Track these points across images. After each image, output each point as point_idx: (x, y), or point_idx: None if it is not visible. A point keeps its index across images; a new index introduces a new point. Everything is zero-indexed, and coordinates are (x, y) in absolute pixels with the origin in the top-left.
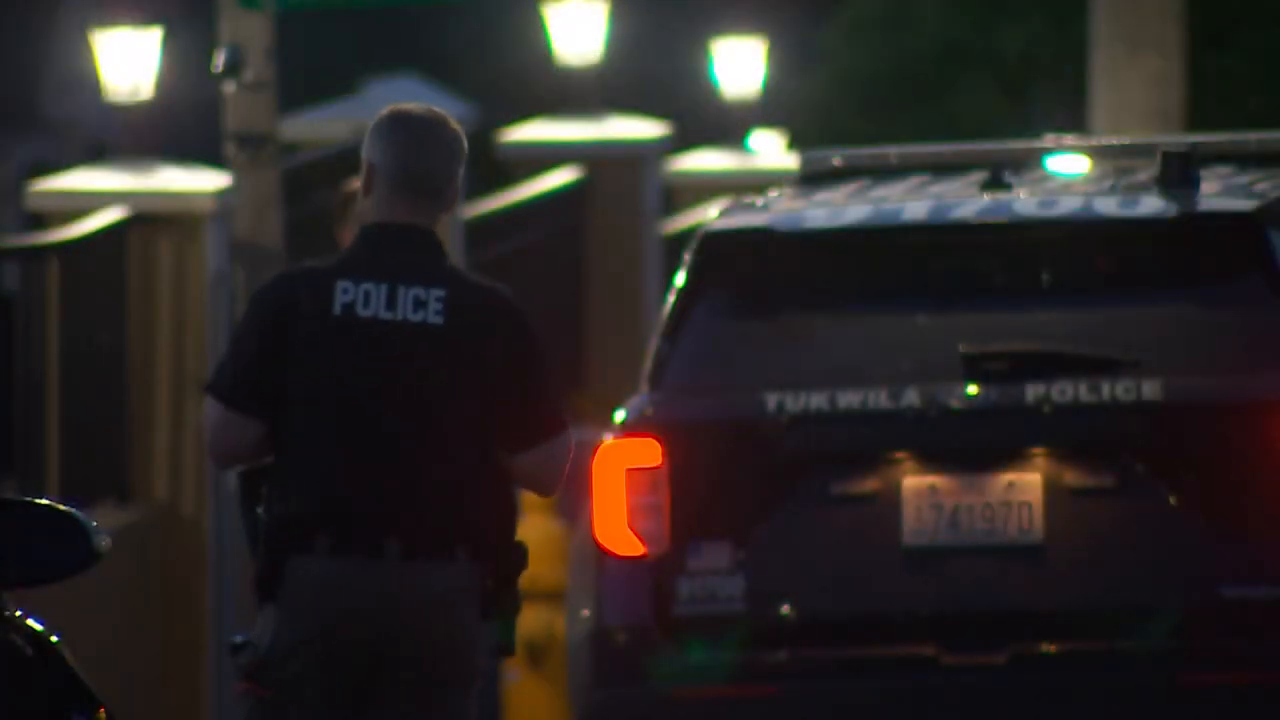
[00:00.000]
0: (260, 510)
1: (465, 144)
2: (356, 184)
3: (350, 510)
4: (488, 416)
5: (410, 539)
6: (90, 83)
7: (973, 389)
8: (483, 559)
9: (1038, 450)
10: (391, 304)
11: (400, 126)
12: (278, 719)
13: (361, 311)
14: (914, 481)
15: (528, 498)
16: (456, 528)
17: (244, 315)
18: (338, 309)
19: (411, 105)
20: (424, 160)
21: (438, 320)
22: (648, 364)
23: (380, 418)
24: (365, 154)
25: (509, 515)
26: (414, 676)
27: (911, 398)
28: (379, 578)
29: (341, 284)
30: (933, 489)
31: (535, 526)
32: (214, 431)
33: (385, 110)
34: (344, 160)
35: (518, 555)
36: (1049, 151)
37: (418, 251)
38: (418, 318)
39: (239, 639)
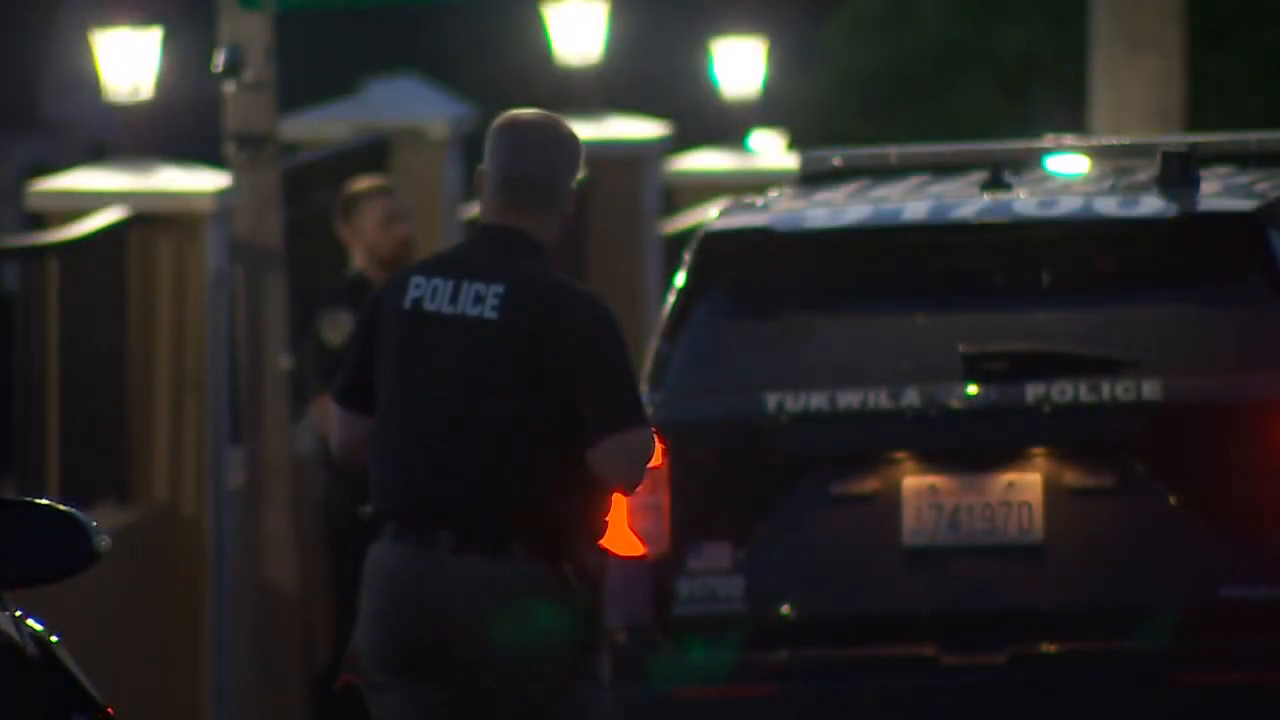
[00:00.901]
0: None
1: (575, 148)
2: (359, 185)
3: (411, 500)
4: (552, 410)
5: (463, 532)
6: (90, 83)
7: (973, 389)
8: (549, 554)
9: (1038, 450)
10: (455, 299)
11: (504, 133)
12: (376, 706)
13: (428, 306)
14: (914, 481)
15: None
16: (513, 522)
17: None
18: (408, 304)
19: (523, 112)
20: (520, 166)
21: (493, 315)
22: (648, 364)
23: (436, 411)
24: (484, 158)
25: (582, 509)
26: (472, 671)
27: (911, 398)
28: (430, 568)
29: (415, 279)
30: (933, 489)
31: None
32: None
33: (501, 116)
34: (344, 160)
35: (592, 551)
36: (1049, 151)
37: (502, 250)
38: (475, 312)
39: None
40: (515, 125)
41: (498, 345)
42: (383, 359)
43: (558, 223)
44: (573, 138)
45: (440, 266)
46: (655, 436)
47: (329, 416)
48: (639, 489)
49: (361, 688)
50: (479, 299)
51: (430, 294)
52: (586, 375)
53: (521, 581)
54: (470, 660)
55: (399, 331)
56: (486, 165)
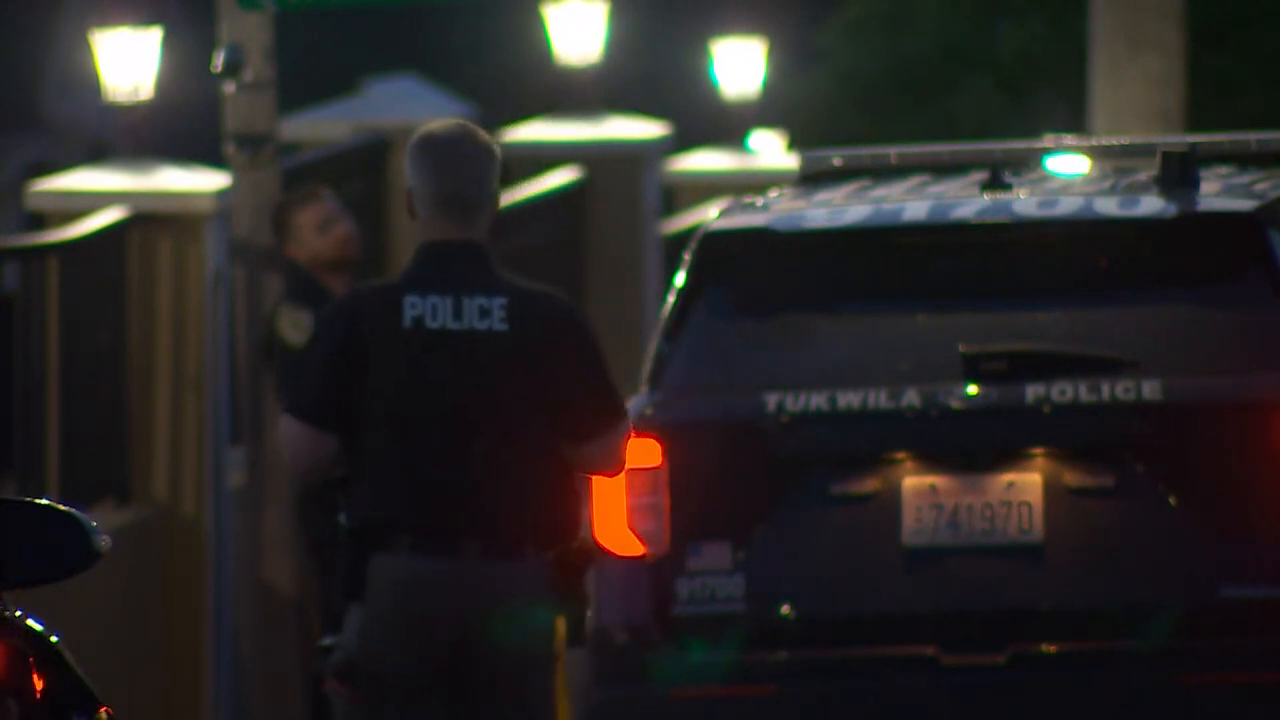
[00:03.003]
0: (341, 518)
1: (496, 151)
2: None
3: (430, 511)
4: (553, 415)
5: (488, 539)
6: (90, 83)
7: (973, 389)
8: (550, 555)
9: (1038, 450)
10: (458, 314)
11: (428, 150)
12: (372, 717)
13: (430, 323)
14: (914, 481)
15: None
16: (528, 526)
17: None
18: (408, 322)
19: (438, 125)
20: (455, 180)
21: (503, 327)
22: (648, 364)
23: (454, 422)
24: (408, 178)
25: (575, 511)
26: (495, 674)
27: (911, 398)
28: (459, 576)
29: (409, 299)
30: (933, 489)
31: None
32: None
33: (416, 134)
34: (344, 160)
35: (585, 550)
36: (1049, 151)
37: (471, 265)
38: (484, 326)
39: (328, 640)
40: (442, 141)
41: (511, 355)
42: (378, 379)
43: (487, 229)
44: (493, 144)
45: (430, 284)
46: (656, 436)
47: (292, 435)
48: (640, 490)
49: (348, 694)
50: (485, 312)
51: (430, 312)
52: (580, 377)
53: (535, 583)
54: (482, 657)
55: (403, 350)
56: (415, 184)
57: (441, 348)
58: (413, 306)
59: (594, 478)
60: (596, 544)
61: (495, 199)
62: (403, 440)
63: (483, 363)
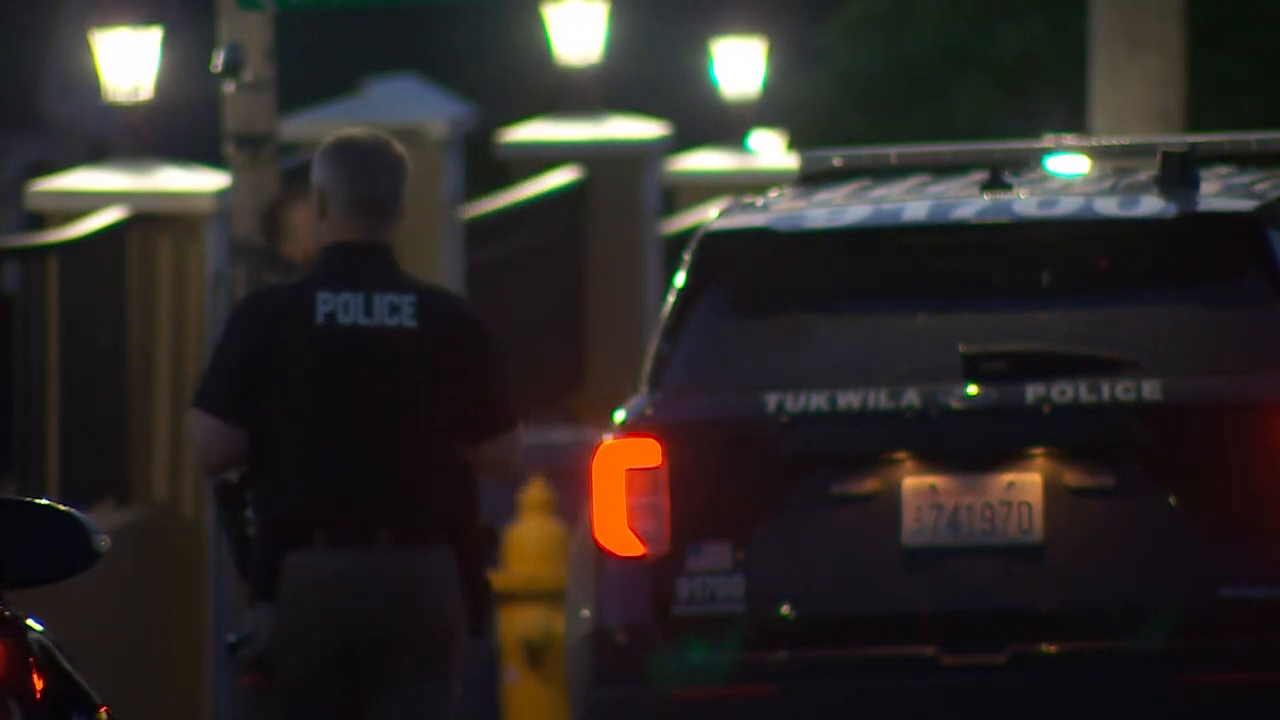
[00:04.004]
0: (249, 514)
1: (408, 164)
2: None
3: (343, 505)
4: (456, 411)
5: (399, 528)
6: (90, 83)
7: (973, 389)
8: (455, 544)
9: (1038, 450)
10: (369, 310)
11: (345, 155)
12: (280, 711)
13: (343, 319)
14: (914, 481)
15: (527, 498)
16: (435, 516)
17: (224, 331)
18: (320, 318)
19: (356, 131)
20: (372, 185)
21: (412, 324)
22: (648, 364)
23: (364, 416)
24: (315, 179)
25: (474, 502)
26: (411, 662)
27: (911, 398)
28: (374, 566)
29: (322, 295)
30: (933, 489)
31: (535, 526)
32: (206, 442)
33: (331, 137)
34: None
35: (487, 539)
36: (1049, 151)
37: (380, 264)
38: (394, 322)
39: (233, 637)
40: (358, 147)
41: (419, 351)
42: (290, 374)
43: (395, 234)
44: (403, 154)
45: (342, 281)
46: (656, 436)
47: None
48: (640, 490)
49: (266, 688)
50: (395, 309)
51: (342, 308)
52: (481, 378)
53: (445, 571)
54: (399, 645)
55: (315, 346)
56: (330, 186)
57: (353, 343)
58: (325, 303)
59: (491, 478)
60: (493, 533)
61: (403, 208)
62: (315, 435)
63: (392, 358)
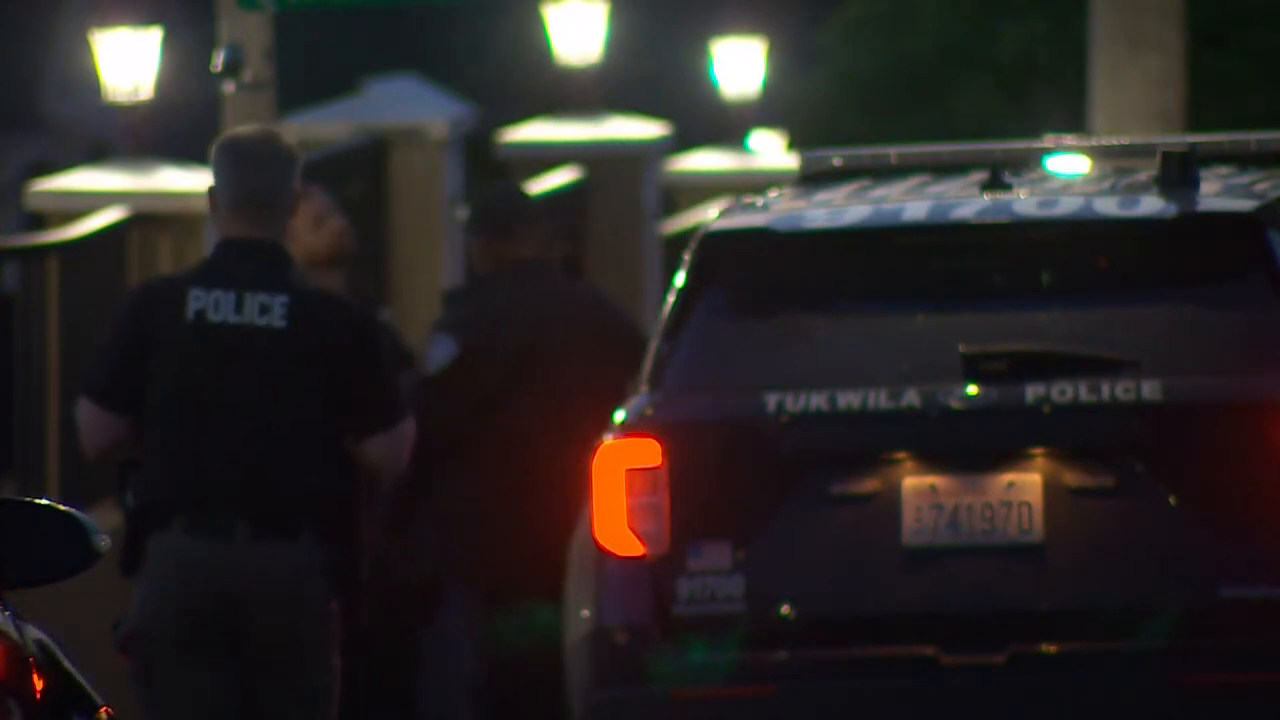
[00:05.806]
0: (127, 498)
1: (295, 157)
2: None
3: (204, 494)
4: (330, 409)
5: (258, 522)
6: (90, 83)
7: (973, 389)
8: (329, 541)
9: (1038, 450)
10: (239, 309)
11: (229, 152)
12: (153, 686)
13: (212, 316)
14: (914, 481)
15: None
16: (301, 511)
17: (110, 323)
18: (190, 315)
19: (243, 129)
20: (250, 180)
21: (281, 324)
22: (648, 364)
23: (228, 411)
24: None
25: (353, 500)
26: (268, 648)
27: (911, 398)
28: (231, 557)
29: (194, 291)
30: (933, 489)
31: None
32: (88, 429)
33: (221, 137)
34: (344, 160)
35: (362, 538)
36: (1049, 151)
37: (262, 262)
38: (263, 321)
39: (119, 616)
40: (242, 144)
41: (287, 350)
42: (162, 365)
43: (286, 230)
44: (292, 150)
45: (215, 279)
46: (656, 436)
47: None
48: (640, 490)
49: (137, 667)
50: (265, 309)
51: (213, 305)
52: (358, 376)
53: (309, 566)
54: (266, 634)
55: (183, 341)
56: (216, 184)
57: (220, 340)
58: (196, 299)
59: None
60: (376, 541)
61: (293, 205)
62: (180, 427)
63: (259, 355)
